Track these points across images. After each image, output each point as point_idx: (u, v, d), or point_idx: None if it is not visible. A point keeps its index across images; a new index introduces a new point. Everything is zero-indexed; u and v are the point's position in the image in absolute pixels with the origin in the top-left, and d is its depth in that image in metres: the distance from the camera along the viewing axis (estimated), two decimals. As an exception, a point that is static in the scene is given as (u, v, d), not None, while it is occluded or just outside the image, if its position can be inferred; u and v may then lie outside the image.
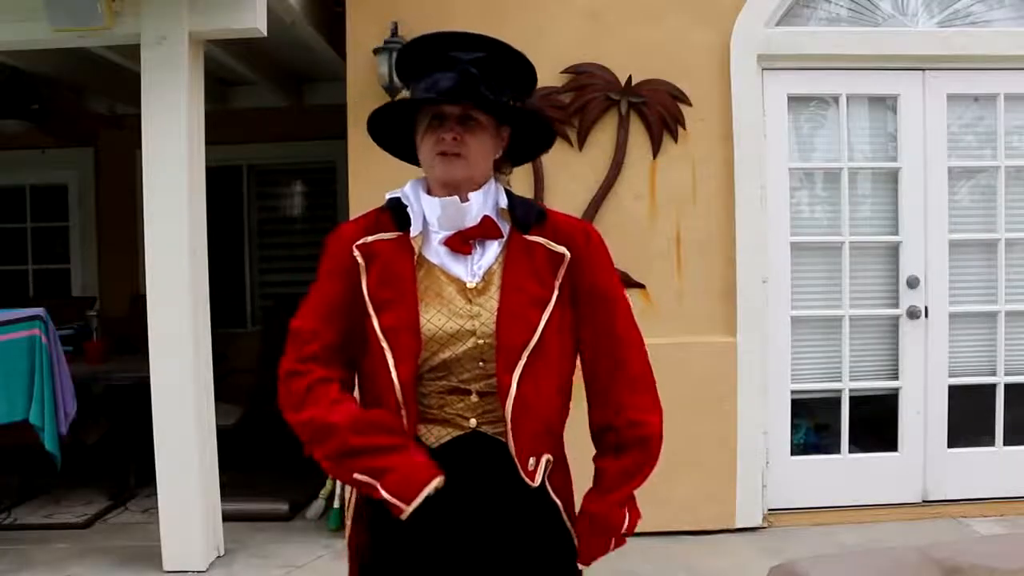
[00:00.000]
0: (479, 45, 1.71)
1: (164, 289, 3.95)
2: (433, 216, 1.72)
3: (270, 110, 6.57)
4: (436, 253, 1.72)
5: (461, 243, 1.71)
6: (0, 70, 5.55)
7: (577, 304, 1.75)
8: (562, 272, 1.72)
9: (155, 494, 4.03)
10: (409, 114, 1.75)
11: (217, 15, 3.89)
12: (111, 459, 5.24)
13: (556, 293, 1.71)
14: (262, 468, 5.23)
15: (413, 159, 1.80)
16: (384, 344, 1.65)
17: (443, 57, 1.69)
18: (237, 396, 5.33)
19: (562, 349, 1.73)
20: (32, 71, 5.63)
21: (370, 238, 1.72)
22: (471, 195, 1.71)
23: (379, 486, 1.60)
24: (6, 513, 4.79)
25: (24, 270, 7.15)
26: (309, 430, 1.65)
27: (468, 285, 1.69)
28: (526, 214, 1.75)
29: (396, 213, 1.74)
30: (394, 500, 1.59)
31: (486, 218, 1.72)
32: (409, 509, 1.58)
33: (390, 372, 1.64)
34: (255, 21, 3.87)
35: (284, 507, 4.73)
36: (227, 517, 4.22)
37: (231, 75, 5.98)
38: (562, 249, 1.73)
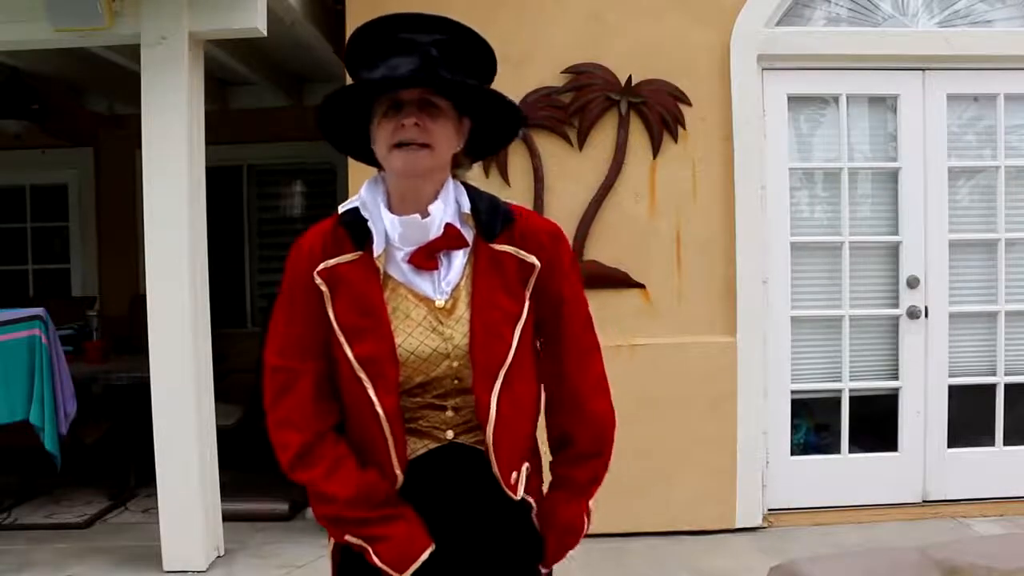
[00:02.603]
0: (438, 26, 1.58)
1: (164, 289, 3.95)
2: (394, 232, 1.60)
3: (270, 110, 6.57)
4: (400, 270, 1.62)
5: (426, 259, 1.61)
6: (0, 70, 5.55)
7: (540, 309, 1.68)
8: (532, 282, 1.65)
9: (155, 494, 4.03)
10: (364, 107, 1.61)
11: (217, 15, 3.89)
12: (111, 459, 5.24)
13: (527, 304, 1.65)
14: (262, 468, 5.19)
15: (367, 157, 1.68)
16: (362, 375, 1.58)
17: (399, 40, 1.56)
18: (237, 396, 5.33)
19: (532, 358, 1.70)
20: (32, 71, 5.64)
21: (332, 261, 1.61)
22: (431, 208, 1.60)
23: (372, 551, 1.60)
24: (6, 513, 4.79)
25: (24, 270, 7.14)
26: (308, 490, 1.65)
27: (437, 304, 1.61)
28: (492, 219, 1.65)
29: (353, 228, 1.62)
30: (386, 568, 1.59)
31: (449, 227, 1.61)
32: None
33: (372, 403, 1.58)
34: (255, 21, 3.87)
35: (284, 507, 4.74)
36: (227, 517, 4.23)
37: (231, 75, 5.98)
38: (533, 259, 1.64)
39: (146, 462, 4.15)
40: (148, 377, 3.98)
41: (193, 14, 3.89)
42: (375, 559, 1.59)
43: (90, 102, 6.71)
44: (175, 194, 3.94)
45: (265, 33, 3.96)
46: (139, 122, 3.97)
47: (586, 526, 1.75)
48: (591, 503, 1.76)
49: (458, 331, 1.61)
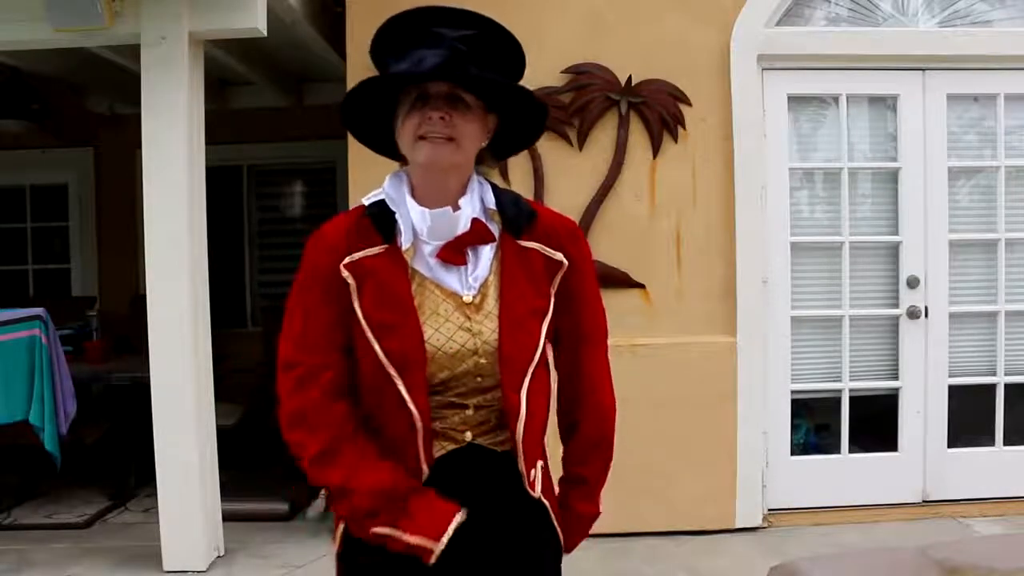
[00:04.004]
0: (468, 22, 1.57)
1: (164, 289, 3.95)
2: (422, 225, 1.59)
3: (270, 110, 6.57)
4: (427, 265, 1.61)
5: (455, 254, 1.60)
6: (0, 70, 5.55)
7: (561, 304, 1.69)
8: (558, 280, 1.66)
9: (155, 494, 4.03)
10: (389, 99, 1.60)
11: (217, 15, 3.89)
12: (111, 459, 5.24)
13: (552, 300, 1.66)
14: (262, 468, 5.23)
15: (391, 152, 1.68)
16: (391, 371, 1.55)
17: (428, 33, 1.55)
18: (237, 396, 5.33)
19: (547, 353, 1.70)
20: (32, 71, 5.64)
21: (358, 255, 1.59)
22: (461, 202, 1.61)
23: (403, 535, 1.54)
24: (6, 513, 4.79)
25: (24, 270, 7.14)
26: (331, 489, 1.60)
27: (465, 300, 1.60)
28: (516, 215, 1.65)
29: (378, 220, 1.61)
30: (421, 542, 1.53)
31: (477, 222, 1.61)
32: (439, 547, 1.53)
33: (404, 401, 1.56)
34: (255, 21, 3.87)
35: (284, 507, 4.73)
36: (227, 517, 4.23)
37: (231, 75, 5.98)
38: (560, 256, 1.66)
39: (146, 462, 4.15)
40: (148, 377, 3.97)
41: (193, 14, 3.89)
42: (408, 539, 1.53)
43: (90, 102, 6.71)
44: (175, 194, 3.94)
45: (265, 33, 3.96)
46: (139, 122, 3.97)
47: (599, 513, 1.82)
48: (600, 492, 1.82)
49: (487, 327, 1.60)
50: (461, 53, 1.54)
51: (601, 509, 1.82)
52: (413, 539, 1.54)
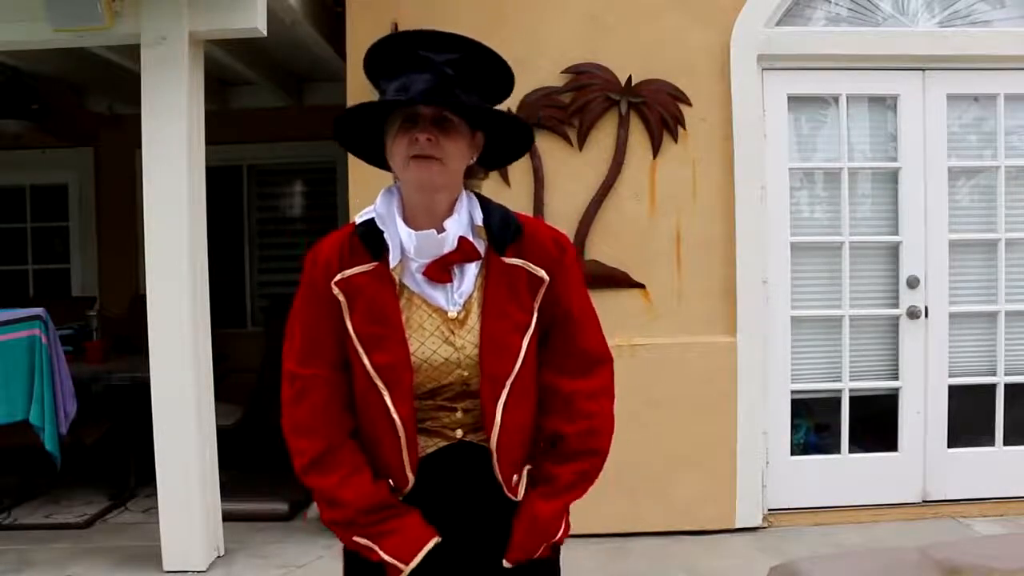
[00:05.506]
0: (453, 45, 1.63)
1: (164, 289, 3.95)
2: (410, 244, 1.66)
3: (270, 110, 6.57)
4: (415, 280, 1.68)
5: (441, 272, 1.66)
6: (1, 70, 5.55)
7: (546, 319, 1.72)
8: (541, 295, 1.71)
9: (155, 494, 4.03)
10: (380, 117, 1.68)
11: (217, 15, 3.89)
12: (111, 459, 5.24)
13: (535, 315, 1.70)
14: (262, 468, 5.23)
15: (385, 164, 1.73)
16: (379, 382, 1.64)
17: (416, 57, 1.61)
18: (237, 396, 5.33)
19: (535, 366, 1.73)
20: (32, 71, 5.64)
21: (348, 272, 1.66)
22: (447, 224, 1.66)
23: (378, 549, 1.65)
24: (6, 513, 4.79)
25: (24, 270, 7.14)
26: (319, 495, 1.69)
27: (450, 315, 1.67)
28: (502, 231, 1.70)
29: (368, 238, 1.67)
30: (392, 560, 1.64)
31: (463, 241, 1.67)
32: (408, 569, 1.64)
33: (388, 410, 1.64)
34: (255, 21, 3.87)
35: (284, 507, 4.74)
36: (227, 517, 4.23)
37: (231, 75, 5.98)
38: (542, 273, 1.70)
39: (146, 462, 4.15)
40: (148, 377, 3.98)
41: (193, 14, 3.89)
42: (381, 554, 1.64)
43: (90, 102, 6.71)
44: (175, 194, 3.94)
45: (265, 33, 3.96)
46: (139, 122, 3.97)
47: (560, 532, 1.75)
48: (567, 506, 1.75)
49: (469, 341, 1.66)
50: (448, 77, 1.60)
51: (563, 527, 1.75)
52: (386, 556, 1.65)
